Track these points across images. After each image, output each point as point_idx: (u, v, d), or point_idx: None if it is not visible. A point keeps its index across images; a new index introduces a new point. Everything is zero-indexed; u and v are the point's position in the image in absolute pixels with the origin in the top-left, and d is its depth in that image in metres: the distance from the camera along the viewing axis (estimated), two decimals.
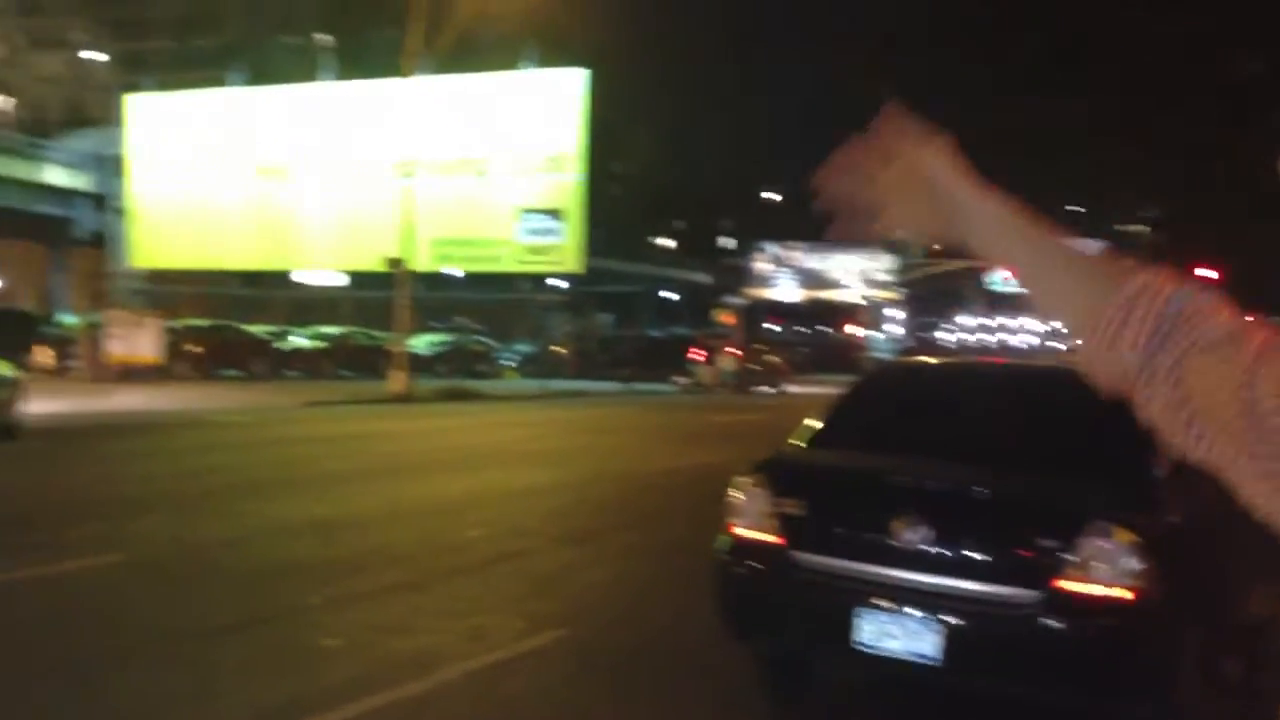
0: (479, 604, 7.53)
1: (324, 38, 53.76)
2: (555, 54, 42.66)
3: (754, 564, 5.27)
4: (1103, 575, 4.50)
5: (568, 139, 40.76)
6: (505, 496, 12.42)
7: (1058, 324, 1.02)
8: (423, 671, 5.90)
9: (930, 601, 4.73)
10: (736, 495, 5.34)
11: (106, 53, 72.44)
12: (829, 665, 5.88)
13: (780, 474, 5.37)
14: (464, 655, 6.25)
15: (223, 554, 8.88)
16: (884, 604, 4.80)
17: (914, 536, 4.77)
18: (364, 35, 52.78)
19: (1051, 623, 4.58)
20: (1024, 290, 1.04)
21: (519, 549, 9.45)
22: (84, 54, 73.34)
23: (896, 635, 4.76)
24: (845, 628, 4.85)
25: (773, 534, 5.14)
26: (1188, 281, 0.97)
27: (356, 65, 45.40)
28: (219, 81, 48.88)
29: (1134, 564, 4.48)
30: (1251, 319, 0.94)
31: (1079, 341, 1.00)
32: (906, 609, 4.76)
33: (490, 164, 41.69)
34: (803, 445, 5.78)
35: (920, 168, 1.04)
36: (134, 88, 51.62)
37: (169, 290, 52.35)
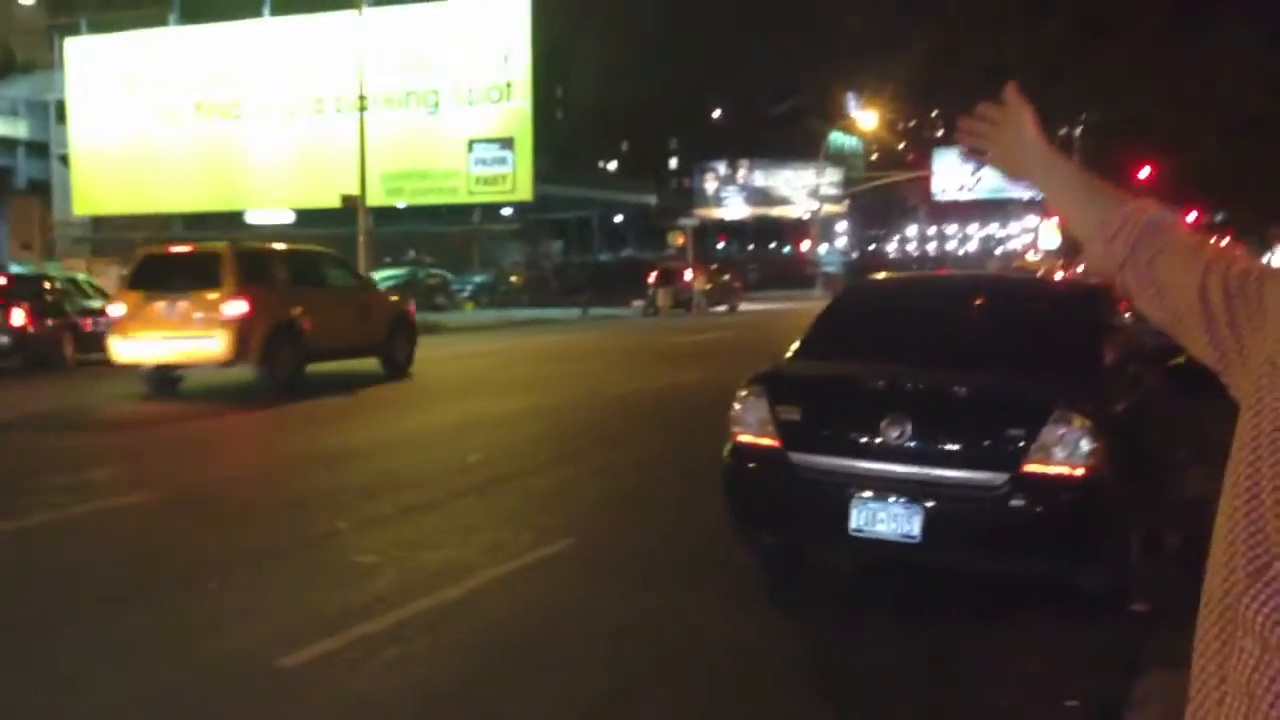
0: (491, 520, 8.18)
1: None
2: None
3: (756, 466, 5.94)
4: (1063, 457, 5.20)
5: (515, 66, 40.74)
6: (491, 424, 13.02)
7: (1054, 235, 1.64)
8: (455, 580, 6.54)
9: (914, 489, 5.43)
10: (737, 405, 5.99)
11: None
12: (825, 553, 6.59)
13: (775, 384, 6.02)
14: (487, 564, 6.90)
15: (243, 490, 9.44)
16: (873, 494, 5.49)
17: (898, 433, 5.45)
18: None
19: (1019, 501, 5.29)
20: (1061, 213, 1.66)
21: (516, 470, 10.09)
22: None
23: (885, 520, 5.46)
24: (840, 517, 5.54)
25: (771, 438, 5.81)
26: (1165, 208, 1.56)
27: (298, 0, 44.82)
28: (158, 21, 48.10)
29: (1089, 446, 5.19)
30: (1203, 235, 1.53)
31: (1090, 243, 1.58)
32: (893, 497, 5.45)
33: (440, 95, 41.61)
34: (792, 358, 6.44)
35: (1021, 125, 1.67)
36: (69, 30, 50.64)
37: (113, 237, 51.80)
